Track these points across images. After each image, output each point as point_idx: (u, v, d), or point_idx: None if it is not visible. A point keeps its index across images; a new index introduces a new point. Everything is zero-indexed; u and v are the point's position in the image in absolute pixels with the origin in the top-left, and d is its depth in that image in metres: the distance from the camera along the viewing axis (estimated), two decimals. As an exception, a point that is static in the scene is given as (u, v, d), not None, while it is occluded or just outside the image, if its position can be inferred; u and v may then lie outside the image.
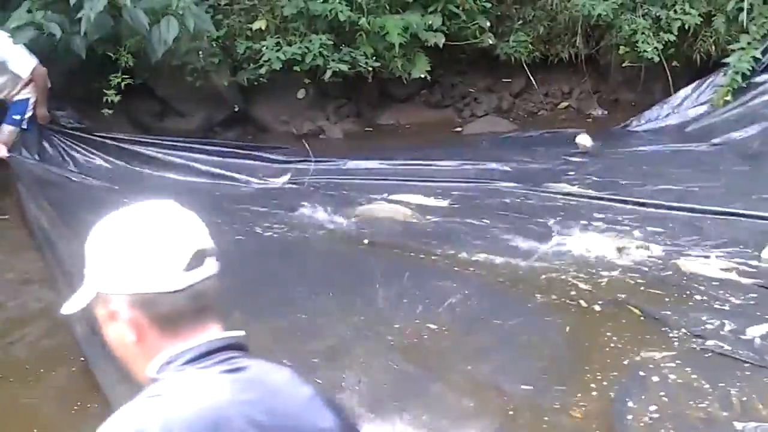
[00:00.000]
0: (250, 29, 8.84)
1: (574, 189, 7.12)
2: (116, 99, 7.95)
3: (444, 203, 6.98)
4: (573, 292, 5.18)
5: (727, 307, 4.92)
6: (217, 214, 6.39)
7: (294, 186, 7.52)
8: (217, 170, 7.82)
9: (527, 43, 9.51)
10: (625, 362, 4.32)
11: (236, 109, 9.25)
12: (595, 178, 7.32)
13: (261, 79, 8.82)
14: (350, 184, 7.48)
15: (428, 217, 6.64)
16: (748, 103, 8.29)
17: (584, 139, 8.10)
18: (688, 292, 5.12)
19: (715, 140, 8.08)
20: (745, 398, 3.92)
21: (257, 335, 4.45)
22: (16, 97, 7.34)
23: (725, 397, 3.95)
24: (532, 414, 3.96)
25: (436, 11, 9.00)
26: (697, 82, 8.81)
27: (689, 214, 6.47)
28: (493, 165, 7.74)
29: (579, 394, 4.09)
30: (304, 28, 8.82)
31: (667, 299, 5.06)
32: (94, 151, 7.85)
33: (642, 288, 5.24)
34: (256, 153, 8.21)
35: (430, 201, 6.99)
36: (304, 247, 5.95)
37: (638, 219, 6.38)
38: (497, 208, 6.79)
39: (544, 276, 5.45)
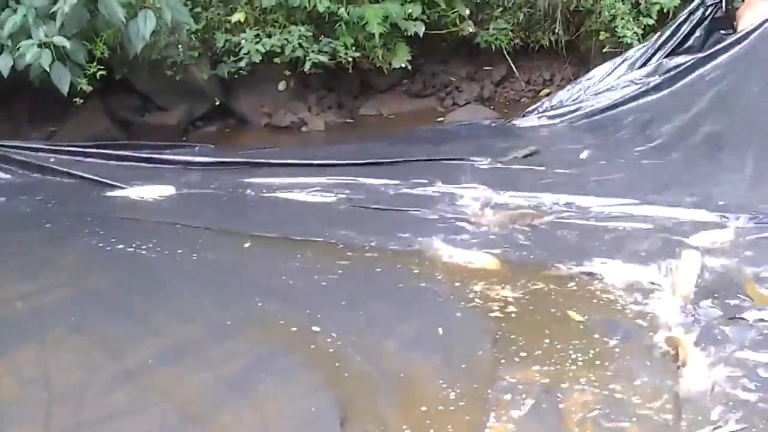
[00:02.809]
0: (229, 22, 8.78)
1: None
2: (88, 89, 7.84)
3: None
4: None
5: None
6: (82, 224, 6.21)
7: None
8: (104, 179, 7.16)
9: (507, 30, 9.49)
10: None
11: (217, 103, 9.21)
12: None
13: (241, 71, 8.80)
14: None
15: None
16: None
17: None
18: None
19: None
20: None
21: (80, 346, 4.31)
22: None
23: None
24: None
25: (416, 0, 8.97)
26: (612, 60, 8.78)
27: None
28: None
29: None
30: (283, 19, 8.78)
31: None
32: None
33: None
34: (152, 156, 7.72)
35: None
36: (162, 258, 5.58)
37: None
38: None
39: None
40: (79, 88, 7.74)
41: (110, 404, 3.75)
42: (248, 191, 6.89)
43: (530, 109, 8.81)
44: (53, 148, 7.72)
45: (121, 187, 7.00)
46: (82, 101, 8.10)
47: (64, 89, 7.41)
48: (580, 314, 4.55)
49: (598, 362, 4.09)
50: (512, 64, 9.83)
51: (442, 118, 9.21)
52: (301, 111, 9.32)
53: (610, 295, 4.81)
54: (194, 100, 9.14)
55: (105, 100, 8.79)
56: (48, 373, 4.03)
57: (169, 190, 6.92)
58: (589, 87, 8.64)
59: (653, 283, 4.89)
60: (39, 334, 4.42)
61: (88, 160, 7.60)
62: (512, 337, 4.33)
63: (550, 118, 8.55)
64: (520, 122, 8.63)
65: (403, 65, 9.14)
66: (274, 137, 8.98)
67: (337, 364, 4.09)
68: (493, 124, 8.78)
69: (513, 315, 4.59)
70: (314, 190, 6.80)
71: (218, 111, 9.31)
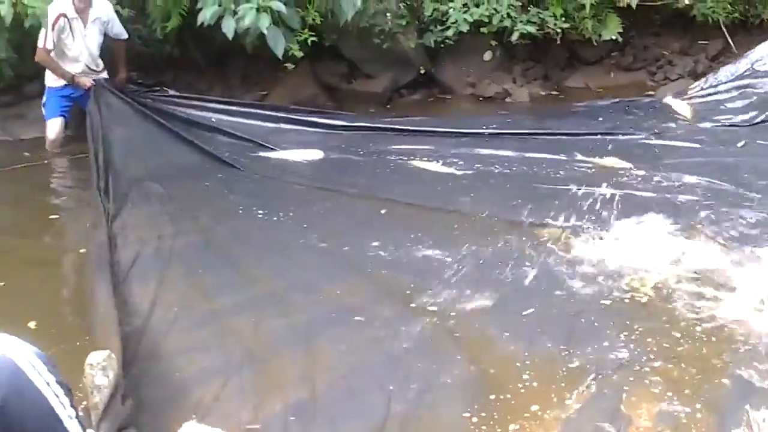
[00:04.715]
0: (438, -10, 8.78)
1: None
2: (299, 54, 8.01)
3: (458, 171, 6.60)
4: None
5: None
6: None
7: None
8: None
9: (726, 4, 9.04)
10: None
11: (422, 72, 9.22)
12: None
13: (447, 41, 8.78)
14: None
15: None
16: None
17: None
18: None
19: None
20: None
21: (184, 287, 4.69)
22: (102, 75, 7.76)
23: None
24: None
25: (630, -30, 8.68)
26: None
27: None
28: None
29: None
30: (492, -12, 8.70)
31: None
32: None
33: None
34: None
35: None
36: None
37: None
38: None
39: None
40: (290, 53, 7.91)
41: (190, 340, 4.11)
42: (390, 158, 6.98)
43: (693, 86, 8.37)
44: (213, 99, 8.18)
45: (273, 149, 7.27)
46: (292, 66, 8.28)
47: (279, 52, 7.59)
48: (698, 314, 4.16)
49: (685, 358, 3.77)
50: (729, 39, 9.35)
51: (652, 93, 8.87)
52: (506, 82, 9.22)
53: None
54: (400, 69, 9.18)
55: (314, 66, 8.98)
56: (153, 307, 4.43)
57: (317, 154, 7.14)
58: (756, 61, 8.12)
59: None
60: (159, 272, 4.86)
61: (246, 120, 7.87)
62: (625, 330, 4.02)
63: (710, 95, 8.09)
64: (678, 99, 8.19)
65: (614, 37, 8.89)
66: (477, 107, 8.93)
67: (411, 330, 4.07)
68: (647, 101, 8.38)
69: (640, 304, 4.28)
70: (451, 161, 6.78)
71: (423, 80, 9.33)
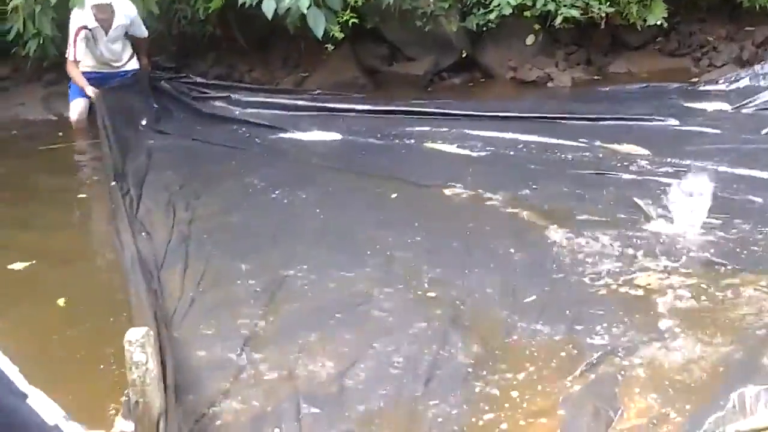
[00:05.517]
0: (481, -27, 8.72)
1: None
2: (340, 36, 8.02)
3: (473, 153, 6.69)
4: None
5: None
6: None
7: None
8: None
9: (775, -10, 8.91)
10: None
11: (464, 55, 9.17)
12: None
13: (490, 24, 8.74)
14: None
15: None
16: None
17: None
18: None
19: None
20: None
21: (199, 273, 4.67)
22: (130, 66, 8.00)
23: None
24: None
25: (678, -46, 8.57)
26: None
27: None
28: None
29: None
30: (536, -28, 8.63)
31: None
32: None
33: None
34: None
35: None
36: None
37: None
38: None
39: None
40: (331, 35, 7.91)
41: (204, 327, 4.09)
42: (407, 141, 7.08)
43: (728, 75, 8.36)
44: (234, 84, 8.53)
45: (291, 131, 7.42)
46: (332, 48, 8.27)
47: (319, 33, 7.62)
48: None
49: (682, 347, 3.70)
50: (777, 26, 9.21)
51: (696, 79, 8.76)
52: (548, 66, 9.14)
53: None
54: (441, 52, 9.14)
55: (355, 48, 8.97)
56: (177, 293, 4.46)
57: (334, 136, 7.30)
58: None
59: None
60: (174, 259, 4.89)
61: (266, 104, 8.11)
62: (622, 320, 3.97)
63: (743, 84, 8.09)
64: (709, 87, 8.21)
65: (659, 22, 8.76)
66: (519, 91, 8.87)
67: (421, 316, 4.06)
68: (675, 86, 8.33)
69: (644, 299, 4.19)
70: (467, 144, 6.86)
71: (464, 63, 9.28)
